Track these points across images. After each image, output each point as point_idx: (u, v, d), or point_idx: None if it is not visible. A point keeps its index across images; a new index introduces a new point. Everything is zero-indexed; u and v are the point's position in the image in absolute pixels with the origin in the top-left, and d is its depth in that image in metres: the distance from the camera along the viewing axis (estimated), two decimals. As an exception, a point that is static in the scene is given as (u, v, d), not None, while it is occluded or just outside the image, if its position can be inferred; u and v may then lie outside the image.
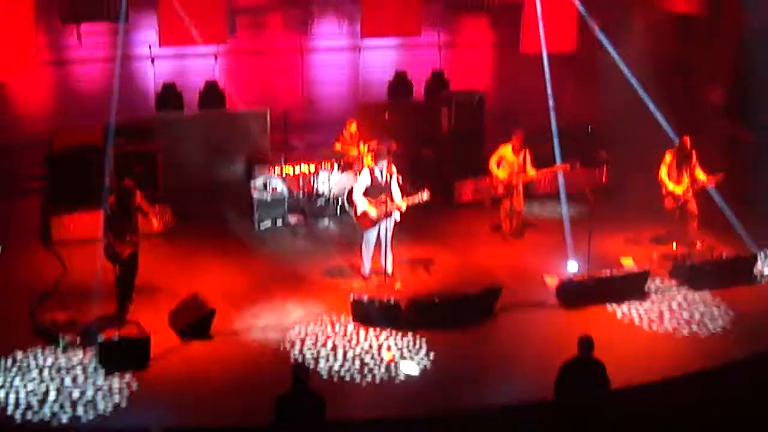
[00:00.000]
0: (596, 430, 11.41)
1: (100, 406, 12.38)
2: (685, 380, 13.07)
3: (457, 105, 19.89)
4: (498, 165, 17.33)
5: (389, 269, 15.73)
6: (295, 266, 16.36)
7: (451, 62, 23.36)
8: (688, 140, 16.76)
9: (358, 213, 15.64)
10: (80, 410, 12.27)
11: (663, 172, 16.84)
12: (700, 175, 16.75)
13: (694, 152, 16.79)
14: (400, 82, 22.47)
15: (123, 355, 13.09)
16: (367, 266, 15.85)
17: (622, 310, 15.08)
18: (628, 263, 16.36)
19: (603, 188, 19.45)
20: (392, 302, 14.55)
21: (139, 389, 12.68)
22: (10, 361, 13.26)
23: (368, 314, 14.47)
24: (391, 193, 15.46)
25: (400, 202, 15.49)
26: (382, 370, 13.33)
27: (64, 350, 13.42)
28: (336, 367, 13.32)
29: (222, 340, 13.91)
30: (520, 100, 22.18)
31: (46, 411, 12.27)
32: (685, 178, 16.81)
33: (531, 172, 17.39)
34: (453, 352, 13.86)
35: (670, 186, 16.80)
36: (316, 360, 13.44)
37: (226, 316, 14.39)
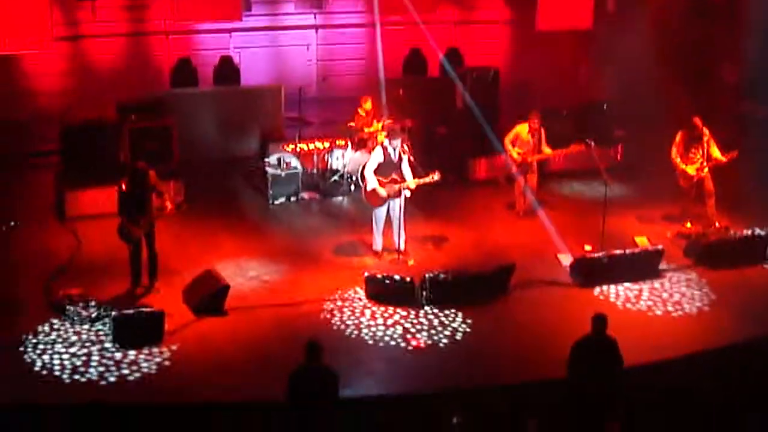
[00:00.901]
0: (608, 408, 11.42)
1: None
2: (698, 358, 13.05)
3: (472, 81, 19.83)
4: (513, 144, 17.30)
5: (401, 246, 15.73)
6: (308, 242, 16.37)
7: (466, 39, 23.30)
8: (698, 121, 16.69)
9: (368, 190, 15.64)
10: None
11: (674, 152, 16.82)
12: (715, 152, 16.69)
13: (706, 131, 16.72)
14: (415, 59, 22.44)
15: (137, 330, 13.12)
16: (378, 242, 15.85)
17: (634, 288, 15.06)
18: (642, 242, 16.31)
19: (618, 166, 19.37)
20: (406, 279, 14.55)
21: (153, 365, 12.74)
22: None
23: (382, 291, 14.47)
24: (401, 172, 15.46)
25: (410, 182, 15.49)
26: (394, 344, 13.35)
27: (79, 324, 13.47)
28: (350, 343, 13.34)
29: (236, 316, 13.93)
30: (536, 78, 22.13)
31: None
32: (698, 157, 16.76)
33: (546, 151, 17.34)
34: (466, 329, 13.86)
35: (682, 166, 16.76)
36: (332, 335, 13.46)
37: (240, 292, 14.41)
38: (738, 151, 16.53)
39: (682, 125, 16.88)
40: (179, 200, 15.96)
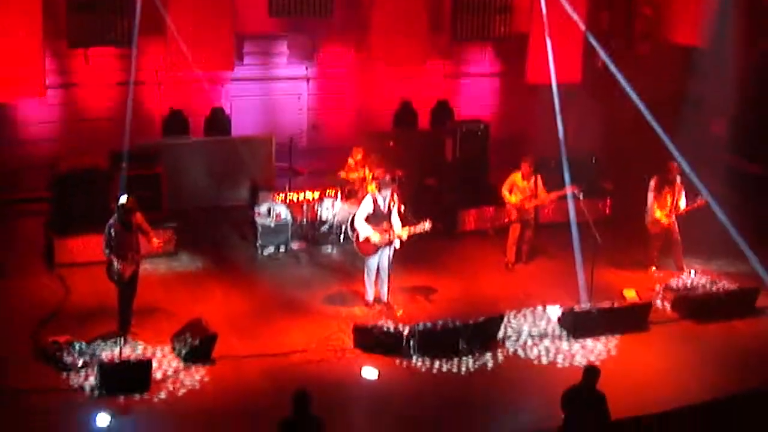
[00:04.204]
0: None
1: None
2: (685, 412, 13.04)
3: (462, 134, 19.95)
4: (510, 192, 17.46)
5: (385, 297, 15.76)
6: (297, 292, 16.36)
7: (456, 92, 23.45)
8: (674, 167, 16.93)
9: (360, 239, 15.67)
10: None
11: (650, 198, 17.09)
12: (681, 201, 17.05)
13: (678, 178, 17.00)
14: (405, 111, 22.58)
15: (124, 377, 13.08)
16: (370, 293, 15.86)
17: (620, 341, 15.08)
18: (630, 295, 16.36)
19: (606, 219, 19.45)
20: (394, 329, 14.56)
21: (140, 412, 12.67)
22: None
23: (370, 341, 14.47)
24: (392, 222, 15.51)
25: (401, 231, 15.53)
26: (382, 395, 13.32)
27: (66, 372, 13.42)
28: (338, 393, 13.30)
29: (224, 365, 13.90)
30: (525, 130, 22.25)
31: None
32: (668, 203, 17.02)
33: (542, 195, 17.50)
34: (455, 380, 13.84)
35: (657, 214, 17.01)
36: (320, 385, 13.41)
37: (228, 341, 14.38)
38: (705, 200, 16.66)
39: (658, 171, 17.09)
40: (167, 238, 15.80)
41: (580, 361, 14.28)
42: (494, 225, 18.39)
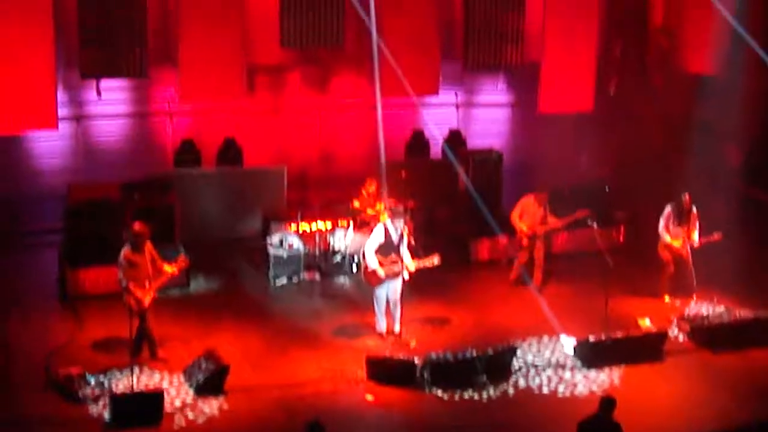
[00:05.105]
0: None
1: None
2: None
3: (474, 164, 19.93)
4: (520, 217, 17.49)
5: (397, 328, 15.69)
6: (309, 323, 16.31)
7: (468, 121, 23.44)
8: (688, 198, 16.91)
9: (368, 270, 15.62)
10: None
11: (661, 225, 17.06)
12: (694, 234, 16.97)
13: (694, 211, 16.98)
14: (417, 141, 22.56)
15: (136, 409, 13.01)
16: (381, 323, 15.79)
17: (635, 371, 14.97)
18: (645, 324, 16.27)
19: (620, 248, 19.36)
20: (407, 361, 14.48)
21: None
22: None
23: (383, 373, 14.38)
24: (401, 253, 15.47)
25: (409, 263, 15.49)
26: (396, 425, 13.24)
27: (79, 403, 13.36)
28: (351, 424, 13.21)
29: (236, 397, 13.83)
30: (538, 159, 22.21)
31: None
32: (682, 234, 16.92)
33: (552, 221, 17.54)
34: (470, 410, 13.74)
35: (667, 239, 16.93)
36: (332, 417, 13.34)
37: (240, 373, 14.32)
38: (721, 234, 16.62)
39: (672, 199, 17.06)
40: (180, 261, 15.69)
41: (596, 390, 14.17)
42: (508, 255, 18.31)
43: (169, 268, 14.64)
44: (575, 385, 14.47)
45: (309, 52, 21.35)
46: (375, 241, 15.55)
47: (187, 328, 15.84)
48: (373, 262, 15.46)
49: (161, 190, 18.46)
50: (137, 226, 14.42)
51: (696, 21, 21.44)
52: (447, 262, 15.94)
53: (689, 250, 17.08)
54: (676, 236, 17.04)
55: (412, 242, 15.83)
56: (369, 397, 14.23)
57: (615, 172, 20.99)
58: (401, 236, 15.49)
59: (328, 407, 13.59)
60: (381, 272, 15.43)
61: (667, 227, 17.05)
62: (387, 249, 15.47)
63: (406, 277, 15.58)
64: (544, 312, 16.44)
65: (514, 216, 17.60)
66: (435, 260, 15.60)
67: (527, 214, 17.50)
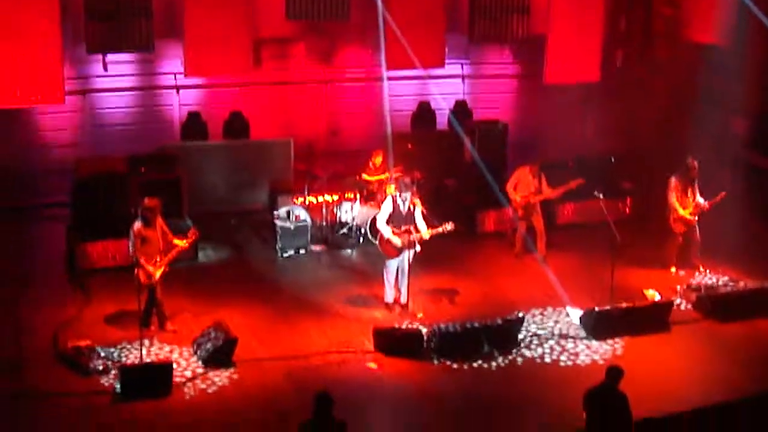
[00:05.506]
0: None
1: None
2: (706, 412, 12.96)
3: (480, 135, 19.92)
4: (515, 188, 17.56)
5: (404, 299, 15.74)
6: (317, 295, 16.36)
7: (474, 93, 23.43)
8: (695, 163, 16.87)
9: (384, 241, 15.65)
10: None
11: (672, 197, 16.97)
12: (700, 199, 16.98)
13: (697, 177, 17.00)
14: (423, 113, 22.56)
15: (146, 381, 13.10)
16: (390, 294, 15.84)
17: (642, 341, 15.02)
18: (651, 295, 16.30)
19: (627, 219, 19.37)
20: (414, 332, 14.54)
21: (160, 417, 12.70)
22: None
23: (390, 344, 14.45)
24: (415, 223, 15.50)
25: (424, 232, 15.51)
26: (403, 397, 13.30)
27: (87, 376, 13.47)
28: (358, 396, 13.29)
29: (244, 368, 13.90)
30: (543, 130, 22.21)
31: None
32: (691, 201, 16.97)
33: (547, 190, 17.57)
34: (477, 381, 13.83)
35: (681, 211, 16.93)
36: (340, 387, 13.40)
37: (249, 343, 14.40)
38: (724, 193, 16.60)
39: (678, 169, 17.04)
40: (191, 234, 15.70)
41: (602, 360, 14.23)
42: (513, 226, 18.34)
43: (179, 242, 14.69)
44: (581, 355, 14.51)
45: (315, 25, 21.32)
46: (385, 212, 15.58)
47: (195, 301, 15.89)
48: (386, 231, 15.49)
49: (168, 164, 18.52)
50: (149, 200, 14.44)
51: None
52: (454, 233, 15.96)
53: (696, 219, 17.06)
54: (685, 206, 17.03)
55: (425, 211, 15.85)
56: (372, 365, 14.29)
57: (621, 143, 20.93)
58: (410, 207, 15.51)
59: (335, 378, 13.67)
60: (397, 241, 15.45)
61: (678, 199, 17.02)
62: (397, 220, 15.49)
63: (419, 248, 15.60)
64: (550, 283, 16.49)
65: (509, 187, 17.66)
66: (449, 227, 15.57)
67: (522, 185, 17.57)
